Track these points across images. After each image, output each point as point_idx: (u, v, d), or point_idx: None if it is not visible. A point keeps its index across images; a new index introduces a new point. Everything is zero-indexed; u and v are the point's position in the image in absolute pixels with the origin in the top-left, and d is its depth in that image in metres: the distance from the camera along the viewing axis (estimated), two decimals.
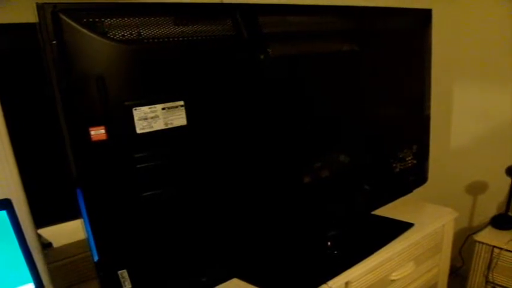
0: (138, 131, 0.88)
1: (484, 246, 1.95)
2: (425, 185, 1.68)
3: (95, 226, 0.89)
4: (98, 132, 0.84)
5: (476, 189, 2.34)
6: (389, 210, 1.61)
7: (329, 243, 1.37)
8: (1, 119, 1.01)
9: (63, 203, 1.12)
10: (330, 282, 1.20)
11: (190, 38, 0.93)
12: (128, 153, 0.89)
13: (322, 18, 1.21)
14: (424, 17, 1.50)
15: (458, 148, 2.41)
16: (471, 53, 2.22)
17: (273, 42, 1.08)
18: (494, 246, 1.91)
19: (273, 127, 1.13)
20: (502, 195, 2.17)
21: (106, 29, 0.82)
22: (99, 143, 0.85)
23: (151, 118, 0.89)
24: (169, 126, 0.92)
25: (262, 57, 1.05)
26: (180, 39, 0.92)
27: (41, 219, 1.18)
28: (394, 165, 1.50)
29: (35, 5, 0.77)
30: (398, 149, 1.51)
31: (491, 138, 2.25)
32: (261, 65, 1.06)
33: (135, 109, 0.87)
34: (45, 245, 1.22)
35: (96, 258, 0.92)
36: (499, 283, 1.94)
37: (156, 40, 0.88)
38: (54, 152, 1.10)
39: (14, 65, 1.11)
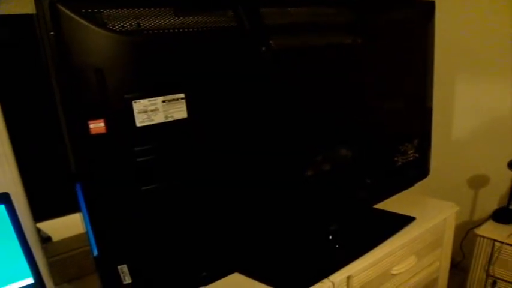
0: (138, 124, 0.87)
1: (485, 240, 1.94)
2: (427, 178, 1.67)
3: (94, 221, 0.88)
4: (97, 126, 0.83)
5: (478, 183, 2.33)
6: (390, 204, 1.60)
7: (330, 237, 1.37)
8: None
9: (63, 196, 1.11)
10: (332, 277, 1.19)
11: (190, 29, 0.91)
12: (128, 147, 0.88)
13: (324, 10, 1.20)
14: (427, 9, 1.48)
15: (459, 142, 2.40)
16: (472, 46, 2.21)
17: (275, 34, 1.06)
18: (495, 240, 1.90)
19: (274, 120, 1.12)
20: (503, 189, 2.17)
21: (105, 20, 0.81)
22: (99, 136, 0.83)
23: (151, 111, 0.87)
24: (170, 119, 0.90)
25: (264, 49, 1.03)
26: (181, 30, 0.90)
27: (40, 213, 1.17)
28: (396, 158, 1.49)
29: None
30: (400, 143, 1.50)
31: (492, 132, 2.24)
32: (262, 57, 1.05)
33: (135, 102, 0.85)
34: (45, 239, 1.21)
35: (95, 252, 0.91)
36: (500, 277, 1.94)
37: (156, 31, 0.86)
38: (53, 146, 1.09)
39: (10, 57, 1.09)
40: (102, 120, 0.83)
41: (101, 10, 0.80)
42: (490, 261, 1.95)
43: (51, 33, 0.76)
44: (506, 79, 2.13)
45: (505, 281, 1.92)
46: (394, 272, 1.39)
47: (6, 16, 1.03)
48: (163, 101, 0.89)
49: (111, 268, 0.93)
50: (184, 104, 0.92)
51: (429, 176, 1.68)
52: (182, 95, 0.91)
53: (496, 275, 1.95)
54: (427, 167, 1.67)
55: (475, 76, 2.25)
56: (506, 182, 2.03)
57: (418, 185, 1.65)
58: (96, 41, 0.80)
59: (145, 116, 0.87)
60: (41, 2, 0.75)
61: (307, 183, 1.25)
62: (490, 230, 1.95)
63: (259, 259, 1.26)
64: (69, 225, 1.23)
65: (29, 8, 0.78)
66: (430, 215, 1.54)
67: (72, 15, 0.77)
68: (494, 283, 1.96)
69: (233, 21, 0.99)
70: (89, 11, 0.79)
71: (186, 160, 0.97)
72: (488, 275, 1.98)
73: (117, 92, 0.84)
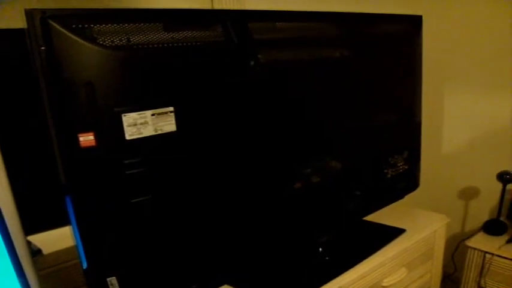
0: (127, 137, 0.87)
1: (476, 251, 1.95)
2: (417, 190, 1.68)
3: (84, 233, 0.89)
4: (86, 139, 0.83)
5: (468, 194, 2.35)
6: (381, 216, 1.61)
7: (320, 250, 1.37)
8: None
9: (53, 209, 1.11)
10: None
11: (180, 44, 0.93)
12: (117, 160, 0.88)
13: (312, 25, 1.22)
14: (414, 23, 1.51)
15: (449, 154, 2.42)
16: (462, 59, 2.24)
17: (263, 48, 1.08)
18: (486, 252, 1.91)
19: (263, 133, 1.13)
20: (493, 201, 2.18)
21: (95, 35, 0.82)
22: (88, 149, 0.84)
23: (140, 124, 0.88)
24: (159, 132, 0.91)
25: (252, 63, 1.05)
26: (170, 45, 0.92)
27: (30, 226, 1.17)
28: (386, 171, 1.50)
29: (23, 11, 0.76)
30: (390, 155, 1.51)
31: (482, 144, 2.26)
32: (251, 71, 1.06)
33: (125, 115, 0.86)
34: (35, 252, 1.21)
35: (85, 265, 0.91)
36: None
37: (145, 46, 0.88)
38: (44, 158, 1.10)
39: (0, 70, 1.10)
40: (91, 133, 0.84)
41: (91, 25, 0.81)
42: (481, 273, 1.95)
43: (42, 47, 0.77)
44: (497, 92, 2.16)
45: None
46: (385, 284, 1.39)
47: None
48: (153, 115, 0.90)
49: (100, 280, 0.93)
50: (173, 117, 0.93)
51: (419, 188, 1.69)
52: (171, 109, 0.92)
53: (487, 287, 1.96)
54: (417, 178, 1.68)
55: (465, 89, 2.28)
56: (497, 194, 2.04)
57: (408, 197, 1.66)
58: (86, 55, 0.81)
59: (134, 129, 0.88)
60: (33, 17, 0.76)
61: (297, 195, 1.26)
62: (481, 242, 1.96)
63: (249, 271, 1.27)
64: (59, 238, 1.22)
65: (19, 23, 0.79)
66: (420, 226, 1.55)
67: (63, 30, 0.78)
68: None
69: (222, 36, 1.00)
70: (80, 26, 0.80)
71: (175, 173, 0.97)
72: (479, 287, 1.99)
73: (106, 105, 0.85)
